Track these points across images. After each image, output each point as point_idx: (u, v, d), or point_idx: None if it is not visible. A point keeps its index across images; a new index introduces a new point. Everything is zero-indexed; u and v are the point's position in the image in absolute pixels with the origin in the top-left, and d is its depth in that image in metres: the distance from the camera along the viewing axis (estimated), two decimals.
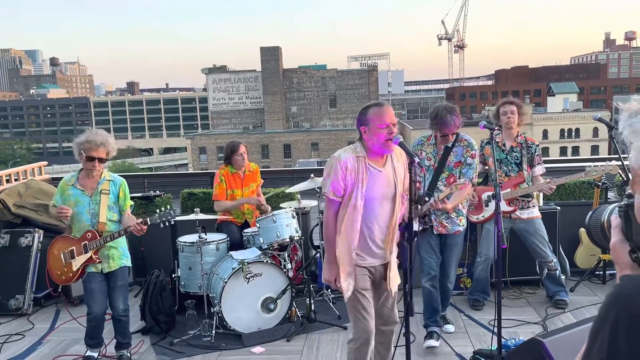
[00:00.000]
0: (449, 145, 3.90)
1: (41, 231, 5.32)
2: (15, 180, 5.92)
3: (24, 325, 4.83)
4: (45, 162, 6.71)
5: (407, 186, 2.93)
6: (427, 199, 3.90)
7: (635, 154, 0.91)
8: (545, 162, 5.63)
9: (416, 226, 4.01)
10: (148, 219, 3.84)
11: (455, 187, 3.71)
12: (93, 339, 3.95)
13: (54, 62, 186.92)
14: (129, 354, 4.04)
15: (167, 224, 3.90)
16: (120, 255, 3.90)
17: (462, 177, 3.83)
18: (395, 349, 3.20)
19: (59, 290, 5.14)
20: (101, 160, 3.77)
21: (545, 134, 54.97)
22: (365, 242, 2.98)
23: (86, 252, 3.77)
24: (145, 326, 4.52)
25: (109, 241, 3.77)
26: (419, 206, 3.96)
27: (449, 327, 4.22)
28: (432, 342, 3.95)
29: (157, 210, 3.93)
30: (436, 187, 3.91)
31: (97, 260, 3.79)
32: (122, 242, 3.94)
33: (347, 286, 2.96)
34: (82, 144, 3.72)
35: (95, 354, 3.99)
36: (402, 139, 2.83)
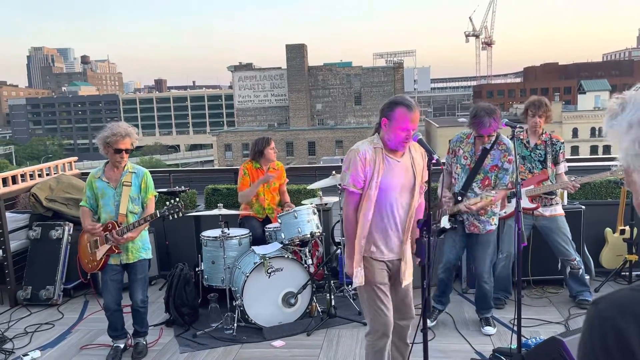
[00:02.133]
0: (487, 147, 3.89)
1: (71, 224, 5.48)
2: (47, 174, 6.11)
3: (53, 315, 5.00)
4: (76, 158, 6.90)
5: (426, 179, 2.96)
6: (459, 198, 3.92)
7: (623, 155, 0.91)
8: (574, 160, 5.56)
9: (446, 224, 4.04)
10: (157, 211, 3.95)
11: (486, 196, 3.73)
12: (114, 330, 4.09)
13: (85, 60, 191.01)
14: (145, 342, 4.16)
15: (175, 216, 3.99)
16: (139, 248, 3.99)
17: (498, 182, 3.89)
18: (412, 345, 3.21)
19: (89, 277, 5.30)
20: (127, 151, 3.89)
21: (575, 132, 53.81)
22: (383, 234, 2.99)
23: (107, 242, 3.90)
24: (170, 318, 4.63)
25: (127, 231, 3.87)
26: (449, 204, 3.99)
27: (489, 330, 4.17)
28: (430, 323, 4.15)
29: (167, 203, 4.03)
30: (470, 188, 3.92)
31: (117, 251, 3.91)
32: (143, 235, 4.04)
33: (357, 273, 2.98)
34: (108, 137, 3.83)
35: (122, 345, 4.11)
36: (421, 136, 2.85)
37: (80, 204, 4.06)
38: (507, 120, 3.62)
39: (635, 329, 0.80)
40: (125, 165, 3.96)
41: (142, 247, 4.02)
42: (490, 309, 4.27)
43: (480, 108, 3.82)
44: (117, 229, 3.87)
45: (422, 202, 3.09)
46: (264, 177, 5.03)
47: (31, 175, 5.96)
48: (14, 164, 62.62)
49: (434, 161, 2.73)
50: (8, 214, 5.52)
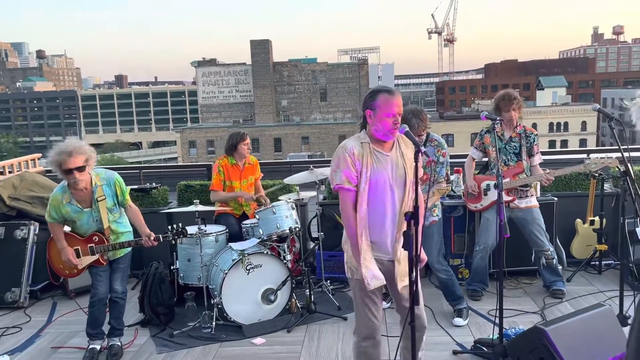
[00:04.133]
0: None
1: (37, 223, 5.26)
2: (10, 172, 5.84)
3: (20, 318, 4.79)
4: (40, 154, 6.63)
5: (421, 174, 2.92)
6: None
7: None
8: (547, 153, 5.66)
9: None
10: (160, 235, 3.85)
11: (439, 191, 4.03)
12: (94, 327, 3.93)
13: (40, 54, 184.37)
14: (120, 343, 4.03)
15: (179, 241, 3.97)
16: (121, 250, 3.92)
17: (437, 175, 4.08)
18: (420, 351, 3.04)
19: (61, 280, 5.11)
20: (80, 169, 3.55)
21: (534, 127, 55.09)
22: (373, 232, 2.90)
23: (93, 254, 3.78)
24: (145, 318, 4.50)
25: (118, 248, 3.80)
26: None
27: (458, 321, 4.21)
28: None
29: (169, 228, 3.95)
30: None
31: (105, 263, 3.82)
32: (126, 232, 3.93)
33: (366, 274, 2.86)
34: (54, 157, 3.51)
35: (98, 347, 3.97)
36: (407, 128, 2.82)
37: (46, 218, 3.78)
38: (486, 113, 3.65)
39: None
40: (91, 181, 3.68)
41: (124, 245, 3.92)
42: (459, 299, 4.30)
43: (407, 111, 3.95)
44: (106, 244, 3.77)
45: (421, 196, 2.95)
46: (243, 195, 4.99)
47: None
48: None
49: (421, 154, 2.70)
50: None
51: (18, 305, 5.00)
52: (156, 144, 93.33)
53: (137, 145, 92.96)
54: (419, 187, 3.97)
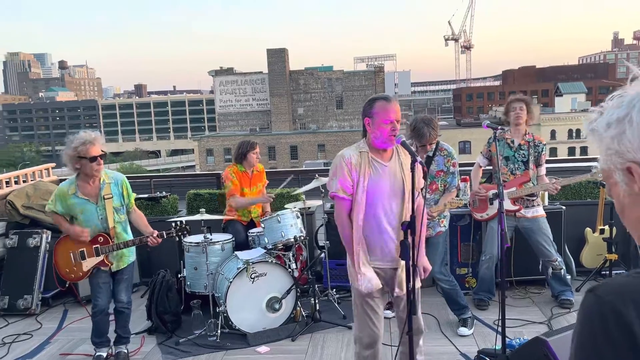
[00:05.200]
0: (430, 154, 4.07)
1: (49, 232, 5.37)
2: (24, 181, 5.98)
3: (32, 325, 4.88)
4: (53, 164, 6.77)
5: (421, 185, 2.93)
6: None
7: (603, 155, 0.92)
8: (554, 161, 5.62)
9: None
10: (164, 232, 3.89)
11: (450, 204, 4.00)
12: (99, 336, 3.99)
13: (62, 65, 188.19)
14: (126, 350, 4.08)
15: (182, 237, 3.99)
16: (127, 254, 3.96)
17: (448, 185, 4.08)
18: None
19: (67, 285, 5.19)
20: (102, 157, 3.71)
21: (553, 134, 54.67)
22: (373, 240, 2.91)
23: (97, 255, 3.82)
24: (152, 326, 4.55)
25: (122, 248, 3.84)
26: None
27: (463, 330, 4.19)
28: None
29: (173, 224, 4.00)
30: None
31: (110, 264, 3.85)
32: (131, 235, 3.99)
33: (362, 279, 2.88)
34: (78, 147, 3.61)
35: (104, 354, 4.02)
36: (404, 139, 2.84)
37: (50, 207, 3.80)
38: (488, 122, 3.65)
39: (635, 313, 0.80)
40: (101, 178, 3.78)
41: (129, 251, 3.97)
42: (463, 309, 4.27)
43: (419, 120, 4.00)
44: (110, 244, 3.79)
45: (420, 205, 2.97)
46: (264, 199, 5.05)
47: (7, 182, 5.83)
48: None
49: (417, 163, 2.72)
50: None
51: (30, 312, 5.09)
52: (174, 152, 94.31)
53: (156, 154, 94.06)
54: (429, 196, 4.01)
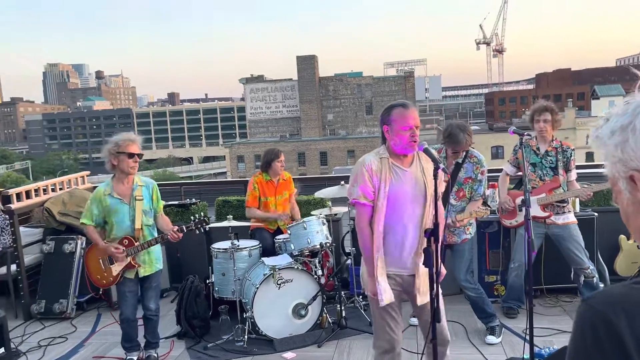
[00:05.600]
0: (459, 161, 4.03)
1: (83, 238, 5.53)
2: (60, 189, 6.19)
3: (67, 329, 5.03)
4: (88, 172, 6.98)
5: (442, 191, 2.92)
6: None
7: (607, 163, 0.92)
8: (590, 166, 5.48)
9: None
10: (184, 226, 3.96)
11: (477, 213, 3.94)
12: (128, 341, 4.09)
13: (99, 75, 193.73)
14: (156, 355, 4.18)
15: (201, 230, 4.02)
16: (155, 260, 4.04)
17: (474, 193, 4.04)
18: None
19: (101, 292, 5.33)
20: (139, 156, 3.88)
21: (589, 138, 53.24)
22: (393, 247, 2.90)
23: (125, 257, 3.91)
24: (181, 331, 4.64)
25: (146, 247, 3.91)
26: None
27: (491, 339, 4.13)
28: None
29: (192, 217, 4.06)
30: (447, 201, 4.00)
31: (137, 265, 3.92)
32: (156, 249, 4.07)
33: (380, 290, 2.87)
34: (118, 143, 3.80)
35: (135, 357, 4.12)
36: (427, 145, 2.83)
37: (83, 222, 3.92)
38: (514, 128, 3.60)
39: (625, 323, 0.81)
40: (133, 179, 3.95)
41: (157, 259, 4.06)
42: (490, 317, 4.21)
43: (454, 125, 3.98)
44: (136, 244, 3.88)
45: (441, 212, 2.95)
46: (277, 216, 5.08)
47: (44, 190, 6.04)
48: (31, 178, 63.50)
49: (439, 170, 2.71)
50: (22, 229, 5.59)
51: (65, 316, 5.26)
52: (206, 159, 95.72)
53: (188, 161, 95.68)
54: (456, 203, 3.98)
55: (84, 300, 5.47)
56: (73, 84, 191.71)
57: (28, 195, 5.79)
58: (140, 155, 3.90)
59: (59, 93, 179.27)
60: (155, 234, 4.06)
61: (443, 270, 3.13)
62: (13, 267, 5.36)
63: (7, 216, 5.50)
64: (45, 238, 5.66)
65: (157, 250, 4.08)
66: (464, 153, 4.03)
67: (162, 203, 4.12)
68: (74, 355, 4.46)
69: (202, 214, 4.12)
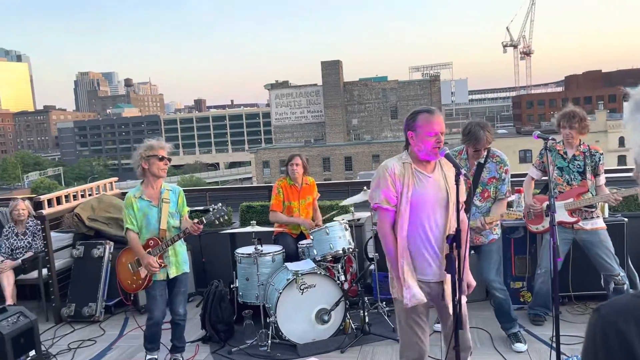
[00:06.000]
0: (482, 161, 3.99)
1: (112, 243, 5.66)
2: (89, 195, 6.33)
3: (95, 332, 5.14)
4: (116, 178, 7.13)
5: (464, 198, 2.89)
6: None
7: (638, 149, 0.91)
8: (621, 170, 5.35)
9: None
10: (203, 217, 4.04)
11: (508, 215, 3.92)
12: (152, 342, 4.17)
13: (128, 82, 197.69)
14: (182, 358, 4.23)
15: (221, 220, 4.10)
16: (182, 262, 4.13)
17: (498, 193, 4.00)
18: None
19: (131, 298, 5.43)
20: (169, 160, 4.04)
21: (621, 141, 51.87)
22: (417, 254, 2.87)
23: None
24: (206, 335, 4.70)
25: (170, 244, 3.99)
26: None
27: (520, 346, 4.07)
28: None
29: (210, 209, 4.13)
30: (472, 202, 3.96)
31: (163, 265, 3.99)
32: (182, 251, 4.15)
33: (406, 293, 2.84)
34: (150, 148, 3.97)
35: (156, 356, 4.20)
36: (448, 151, 2.81)
37: (127, 226, 4.00)
38: (538, 132, 3.55)
39: (636, 332, 0.82)
40: (161, 184, 4.08)
41: (184, 261, 4.14)
42: (513, 322, 4.16)
43: (474, 124, 3.94)
44: (161, 244, 3.97)
45: (464, 219, 2.93)
46: (301, 221, 5.11)
47: (74, 196, 6.19)
48: (62, 184, 65.13)
49: (461, 176, 2.69)
50: (53, 234, 5.75)
51: (94, 320, 5.37)
52: (232, 165, 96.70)
53: (215, 166, 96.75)
54: (480, 204, 3.93)
55: (112, 304, 5.58)
56: (103, 92, 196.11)
57: (59, 201, 5.94)
58: (169, 160, 4.05)
59: (90, 101, 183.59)
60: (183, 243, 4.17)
61: (472, 282, 3.10)
62: (44, 271, 5.51)
63: (39, 222, 5.66)
64: (75, 243, 5.81)
65: (184, 252, 4.16)
66: (486, 152, 3.99)
67: (187, 208, 4.22)
68: (102, 358, 4.55)
69: (219, 204, 4.17)
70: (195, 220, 3.98)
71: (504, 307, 4.13)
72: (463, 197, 2.90)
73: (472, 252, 4.08)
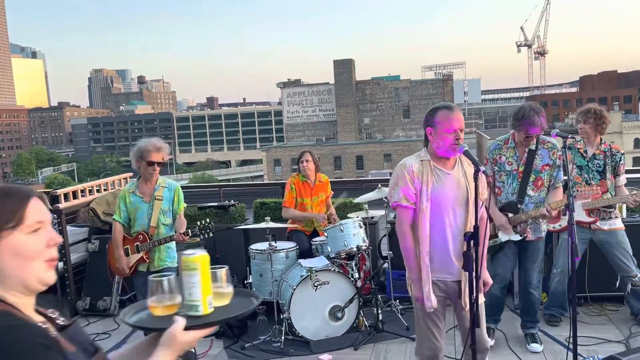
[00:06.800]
0: (533, 148, 3.81)
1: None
2: (105, 190, 6.39)
3: (110, 325, 5.18)
4: (131, 174, 7.18)
5: (486, 195, 2.85)
6: (519, 205, 3.82)
7: None
8: (637, 171, 5.29)
9: (514, 236, 3.90)
10: (189, 230, 4.08)
11: (562, 202, 3.76)
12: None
13: (141, 80, 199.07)
14: (194, 351, 4.28)
15: (206, 236, 4.16)
16: (165, 257, 4.16)
17: (554, 180, 3.85)
18: None
19: (116, 279, 5.49)
20: (159, 164, 4.04)
21: (637, 143, 51.26)
22: (436, 252, 2.85)
23: (138, 252, 4.12)
24: (219, 330, 4.71)
25: (157, 245, 4.08)
26: (510, 215, 3.84)
27: (536, 347, 4.04)
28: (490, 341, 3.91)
29: (197, 223, 4.17)
30: (525, 193, 3.82)
31: (147, 260, 4.12)
32: (170, 245, 4.17)
33: (427, 295, 2.83)
34: (141, 150, 4.01)
35: None
36: (467, 148, 2.79)
37: (113, 217, 4.20)
38: (557, 130, 3.51)
39: None
40: (157, 180, 4.12)
41: (167, 256, 4.19)
42: (536, 322, 4.13)
43: (527, 108, 3.74)
44: (148, 241, 4.06)
45: (484, 215, 2.89)
46: (317, 215, 5.11)
47: (90, 191, 6.25)
48: (76, 180, 65.78)
49: (480, 173, 2.66)
50: (69, 228, 5.80)
51: (109, 313, 5.42)
52: (244, 162, 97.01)
53: (227, 164, 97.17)
54: (533, 194, 3.79)
55: (126, 298, 5.62)
56: (116, 89, 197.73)
57: (75, 195, 6.00)
58: (160, 164, 4.05)
59: (103, 98, 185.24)
60: (172, 234, 4.20)
61: (489, 280, 3.07)
62: (60, 264, 5.56)
63: (55, 215, 5.71)
64: (91, 237, 5.85)
65: (169, 250, 4.19)
66: (535, 139, 3.79)
67: (184, 205, 4.24)
68: (117, 350, 4.57)
69: (207, 220, 4.22)
70: (183, 231, 4.04)
71: (535, 306, 4.09)
72: (484, 195, 2.86)
73: (509, 248, 3.95)
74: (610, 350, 3.84)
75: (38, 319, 1.19)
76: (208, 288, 1.34)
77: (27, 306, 1.18)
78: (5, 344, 1.01)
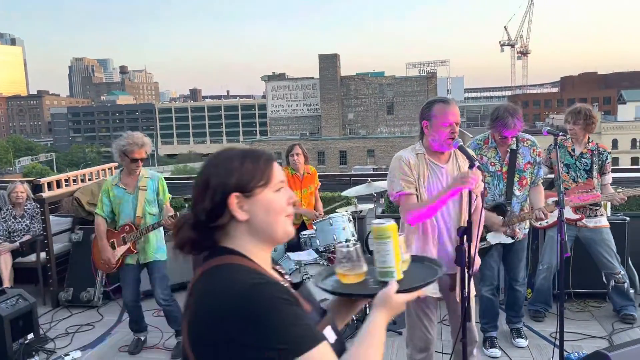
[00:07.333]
0: (514, 147, 3.77)
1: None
2: (89, 180, 6.28)
3: (93, 317, 5.11)
4: (116, 163, 7.07)
5: (480, 189, 2.84)
6: (508, 207, 3.79)
7: None
8: (615, 171, 5.38)
9: (504, 239, 3.90)
10: (178, 213, 4.07)
11: (553, 203, 3.75)
12: (135, 323, 4.31)
13: (123, 70, 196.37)
14: (142, 338, 4.39)
15: None
16: (154, 249, 4.15)
17: (535, 178, 3.82)
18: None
19: (100, 274, 5.43)
20: (142, 160, 4.06)
21: (615, 143, 52.22)
22: (428, 245, 2.85)
23: (125, 243, 4.09)
24: None
25: (144, 233, 4.06)
26: (501, 217, 3.80)
27: (521, 342, 4.08)
28: (494, 352, 3.90)
29: (186, 205, 4.14)
30: (513, 193, 3.80)
31: (135, 251, 4.10)
32: (155, 238, 4.17)
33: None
34: (125, 146, 3.99)
35: (143, 337, 4.36)
36: (462, 143, 2.80)
37: (96, 211, 4.17)
38: (548, 128, 3.54)
39: None
40: (139, 173, 4.11)
41: (157, 248, 4.18)
42: (520, 317, 4.18)
43: (503, 109, 3.66)
44: (135, 231, 4.03)
45: (479, 205, 2.88)
46: (307, 212, 5.11)
47: (74, 180, 6.14)
48: (55, 170, 64.70)
49: (475, 168, 2.67)
50: (52, 217, 5.70)
51: (92, 305, 5.34)
52: None
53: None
54: (519, 193, 3.77)
55: (110, 290, 5.54)
56: (98, 79, 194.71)
57: (58, 185, 5.89)
58: (143, 160, 4.07)
59: (84, 87, 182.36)
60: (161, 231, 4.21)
61: (477, 260, 3.06)
62: (42, 254, 5.47)
63: (37, 204, 5.61)
64: (74, 227, 5.76)
65: (157, 240, 4.18)
66: (514, 138, 3.76)
67: (169, 196, 4.25)
68: (101, 343, 4.52)
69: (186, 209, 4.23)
70: (171, 214, 4.03)
71: (520, 301, 4.12)
72: (480, 189, 2.85)
73: (496, 248, 3.93)
74: (594, 346, 3.91)
75: (276, 276, 1.34)
76: (399, 255, 1.43)
77: (267, 264, 1.32)
78: (253, 299, 1.12)
